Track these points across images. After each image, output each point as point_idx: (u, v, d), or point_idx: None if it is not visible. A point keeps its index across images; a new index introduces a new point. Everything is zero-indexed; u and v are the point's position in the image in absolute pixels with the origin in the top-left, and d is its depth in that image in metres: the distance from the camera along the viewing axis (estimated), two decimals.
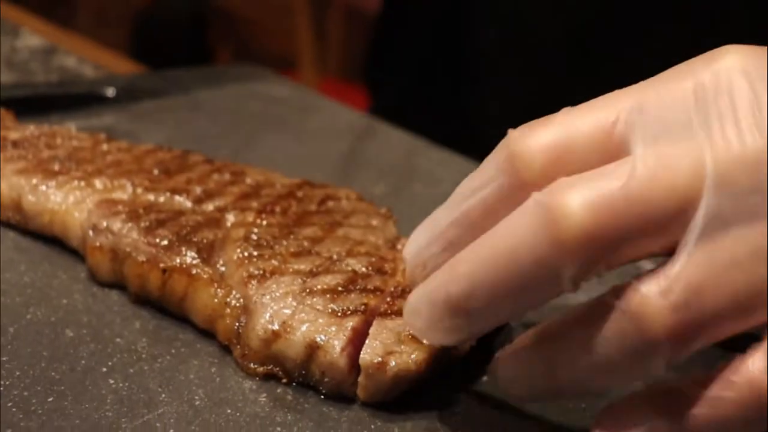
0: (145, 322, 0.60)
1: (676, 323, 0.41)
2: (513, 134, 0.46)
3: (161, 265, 0.60)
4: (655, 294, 0.41)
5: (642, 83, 0.45)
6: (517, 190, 0.45)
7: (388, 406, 0.55)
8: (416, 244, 0.51)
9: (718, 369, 0.43)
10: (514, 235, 0.44)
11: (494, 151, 0.47)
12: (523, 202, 0.44)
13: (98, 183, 0.68)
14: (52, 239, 0.68)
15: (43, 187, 0.68)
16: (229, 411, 0.53)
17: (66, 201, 0.67)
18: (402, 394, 0.55)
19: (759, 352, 0.42)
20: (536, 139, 0.45)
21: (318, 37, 2.26)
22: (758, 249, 0.41)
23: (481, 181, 0.47)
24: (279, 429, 0.52)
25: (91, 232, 0.63)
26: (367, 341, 0.54)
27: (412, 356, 0.54)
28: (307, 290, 0.57)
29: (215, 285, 0.58)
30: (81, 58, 1.19)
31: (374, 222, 0.67)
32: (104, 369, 0.55)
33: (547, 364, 0.46)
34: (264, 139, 0.95)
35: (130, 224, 0.63)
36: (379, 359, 0.53)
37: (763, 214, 0.40)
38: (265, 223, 0.64)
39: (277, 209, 0.66)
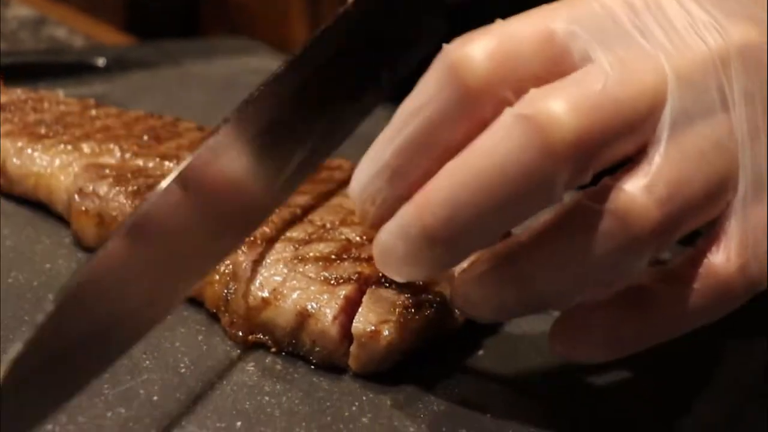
0: None
1: (662, 217, 0.42)
2: (450, 46, 0.44)
3: None
4: (641, 190, 0.42)
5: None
6: (465, 103, 0.43)
7: (381, 378, 0.53)
8: (360, 180, 0.48)
9: (676, 264, 0.46)
10: (498, 152, 0.42)
11: (431, 67, 0.45)
12: (472, 115, 0.43)
13: (86, 147, 0.66)
14: (37, 204, 0.66)
15: (29, 150, 0.66)
16: (215, 379, 0.51)
17: (51, 164, 0.65)
18: (395, 366, 0.53)
19: (716, 243, 0.45)
20: (477, 46, 0.43)
21: (313, 21, 2.23)
22: (718, 140, 0.43)
23: (421, 100, 0.45)
24: (267, 398, 0.51)
25: (76, 196, 0.61)
26: (360, 309, 0.53)
27: (408, 325, 0.52)
28: (299, 258, 0.55)
29: None
30: (71, 29, 1.16)
31: None
32: None
33: (522, 281, 0.45)
34: None
35: (117, 188, 0.61)
36: (372, 328, 0.52)
37: (718, 108, 0.43)
38: None
39: None
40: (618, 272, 0.44)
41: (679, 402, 0.55)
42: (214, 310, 0.56)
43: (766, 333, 0.64)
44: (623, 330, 0.46)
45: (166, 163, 0.65)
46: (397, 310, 0.53)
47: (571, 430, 0.52)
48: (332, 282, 0.54)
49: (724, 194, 0.44)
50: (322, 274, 0.54)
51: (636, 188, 0.42)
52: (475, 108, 0.43)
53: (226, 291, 0.55)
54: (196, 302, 0.57)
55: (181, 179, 0.46)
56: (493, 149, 0.42)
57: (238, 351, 0.54)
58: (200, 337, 0.55)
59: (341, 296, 0.53)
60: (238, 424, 0.48)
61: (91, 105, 0.75)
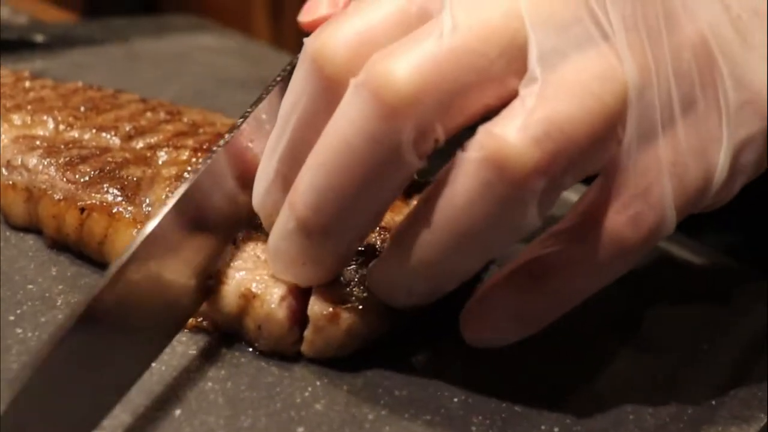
0: (62, 269, 0.53)
1: (541, 157, 0.39)
2: (308, 39, 0.43)
3: (79, 203, 0.53)
4: (512, 131, 0.39)
5: None
6: (329, 93, 0.43)
7: (336, 363, 0.48)
8: (258, 194, 0.47)
9: (567, 222, 0.43)
10: (343, 126, 0.41)
11: (297, 64, 0.44)
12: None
13: (16, 118, 0.61)
14: None
15: None
16: (154, 365, 0.46)
17: None
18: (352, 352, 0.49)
19: (603, 192, 0.42)
20: (332, 33, 0.43)
21: (275, 9, 2.18)
22: (602, 71, 0.40)
23: (292, 100, 0.44)
24: (210, 384, 0.46)
25: (4, 170, 0.56)
26: (314, 289, 0.48)
27: (371, 307, 0.47)
28: (245, 237, 0.50)
29: (139, 227, 0.51)
30: (14, 8, 1.11)
31: None
32: (11, 317, 0.49)
33: (416, 262, 0.43)
34: (209, 90, 0.87)
35: (48, 160, 0.55)
36: (330, 310, 0.47)
37: (597, 38, 0.40)
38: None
39: None
40: (511, 229, 0.42)
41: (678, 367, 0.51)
42: None
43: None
44: (529, 304, 0.44)
45: (104, 134, 0.60)
46: (356, 290, 0.48)
47: (538, 407, 0.48)
48: None
49: (614, 133, 0.41)
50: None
51: (508, 129, 0.39)
52: (339, 97, 0.42)
53: None
54: None
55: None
56: (339, 124, 0.41)
57: (180, 335, 0.49)
58: None
59: None
60: (177, 412, 0.44)
61: (24, 77, 0.70)
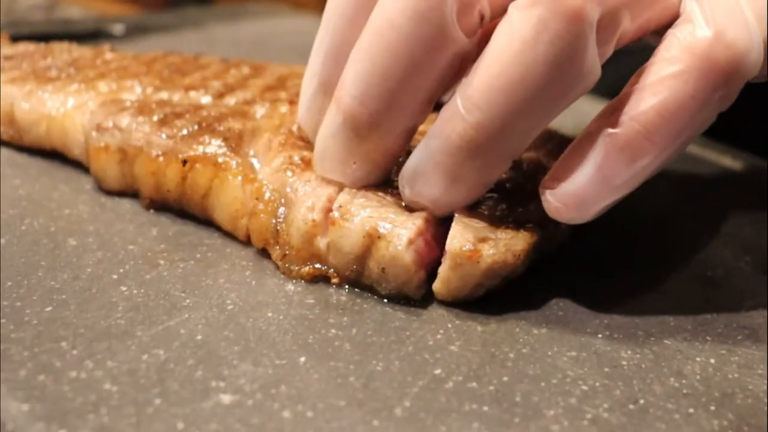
0: (163, 229, 0.50)
1: None
2: None
3: (180, 156, 0.49)
4: None
5: None
6: None
7: (463, 306, 0.44)
8: (303, 105, 0.48)
9: (643, 68, 0.41)
10: (386, 8, 0.41)
11: None
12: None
13: (102, 85, 0.58)
14: (52, 155, 0.58)
15: (39, 93, 0.58)
16: (270, 314, 0.43)
17: (64, 105, 0.56)
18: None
19: (680, 26, 0.41)
20: None
21: None
22: None
23: (331, 3, 0.45)
24: (333, 331, 0.42)
25: (94, 133, 0.53)
26: (453, 225, 0.44)
27: (511, 246, 0.44)
28: None
29: (245, 176, 0.48)
30: (85, 9, 1.09)
31: None
32: (114, 276, 0.45)
33: (476, 124, 0.41)
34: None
35: (141, 118, 0.52)
36: (471, 246, 0.43)
37: None
38: None
39: None
40: (568, 79, 0.40)
41: None
42: (262, 246, 0.47)
43: None
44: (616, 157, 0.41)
45: (193, 93, 0.57)
46: (499, 227, 0.44)
47: (689, 340, 0.44)
48: (407, 206, 0.45)
49: None
50: (396, 195, 0.46)
51: None
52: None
53: (274, 220, 0.46)
54: (238, 240, 0.49)
55: None
56: (382, 7, 0.41)
57: (294, 285, 0.45)
58: (247, 273, 0.46)
59: (421, 217, 0.44)
60: (302, 359, 0.40)
61: (105, 51, 0.67)
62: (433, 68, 0.41)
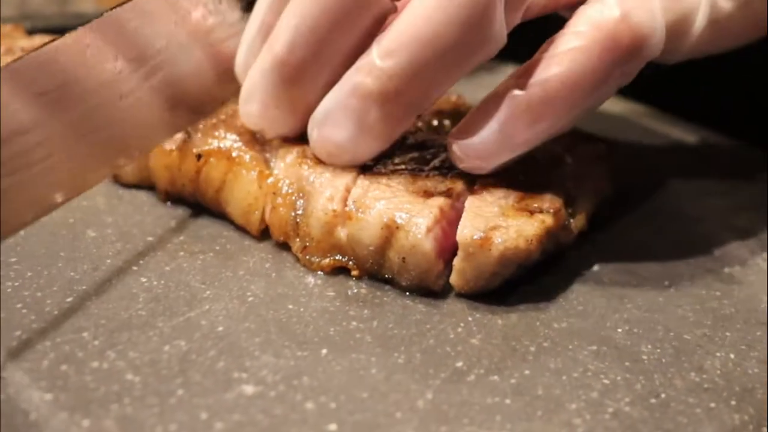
0: (181, 221, 0.50)
1: None
2: None
3: (195, 150, 0.49)
4: None
5: None
6: None
7: (483, 298, 0.44)
8: (242, 49, 0.49)
9: (553, 38, 0.44)
10: None
11: None
12: None
13: None
14: None
15: None
16: (290, 306, 0.43)
17: None
18: (502, 285, 0.45)
19: (592, 4, 0.44)
20: None
21: None
22: None
23: None
24: (354, 323, 0.42)
25: None
26: (464, 214, 0.44)
27: (523, 231, 0.44)
28: (380, 171, 0.47)
29: (259, 170, 0.48)
30: (98, 3, 1.08)
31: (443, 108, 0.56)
32: (134, 267, 0.45)
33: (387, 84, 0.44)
34: None
35: None
36: (482, 235, 0.43)
37: None
38: None
39: None
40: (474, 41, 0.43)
41: None
42: (282, 239, 0.47)
43: None
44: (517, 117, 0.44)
45: None
46: (510, 214, 0.44)
47: (709, 335, 0.44)
48: (421, 194, 0.45)
49: None
50: (408, 186, 0.46)
51: None
52: None
53: (293, 213, 0.46)
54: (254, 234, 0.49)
55: None
56: None
57: (313, 278, 0.45)
58: (267, 265, 0.46)
59: (436, 206, 0.44)
60: (324, 351, 0.40)
61: None
62: (358, 26, 0.44)
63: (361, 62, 0.44)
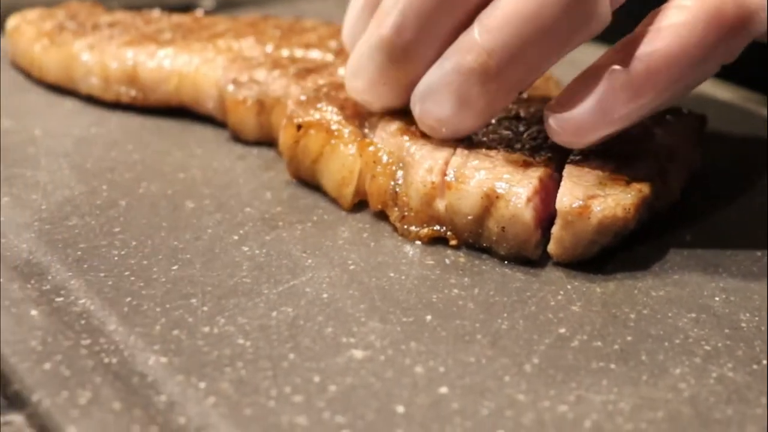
0: (277, 192, 0.51)
1: None
2: None
3: (296, 120, 0.50)
4: None
5: None
6: None
7: (581, 266, 0.45)
8: (348, 24, 0.51)
9: (657, 11, 0.44)
10: None
11: None
12: None
13: (221, 43, 0.60)
14: (163, 121, 0.59)
15: (162, 53, 0.59)
16: (392, 274, 0.44)
17: (193, 62, 0.59)
18: (598, 255, 0.45)
19: None
20: None
21: None
22: None
23: None
24: (456, 291, 0.43)
25: (231, 86, 0.56)
26: (563, 183, 0.44)
27: (620, 200, 0.44)
28: (478, 141, 0.47)
29: (361, 141, 0.48)
30: None
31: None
32: (235, 237, 0.46)
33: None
34: None
35: (277, 71, 0.55)
36: (580, 203, 0.43)
37: None
38: None
39: None
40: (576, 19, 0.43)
41: None
42: (380, 207, 0.48)
43: None
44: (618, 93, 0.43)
45: (314, 51, 0.59)
46: (608, 183, 0.44)
47: None
48: (520, 164, 0.46)
49: None
50: (506, 156, 0.46)
51: None
52: None
53: (393, 182, 0.47)
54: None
55: None
56: None
57: (411, 247, 0.46)
58: (365, 235, 0.47)
59: (535, 177, 0.45)
60: (428, 317, 0.41)
61: (201, 16, 0.68)
62: (463, 5, 0.44)
63: (463, 39, 0.44)
